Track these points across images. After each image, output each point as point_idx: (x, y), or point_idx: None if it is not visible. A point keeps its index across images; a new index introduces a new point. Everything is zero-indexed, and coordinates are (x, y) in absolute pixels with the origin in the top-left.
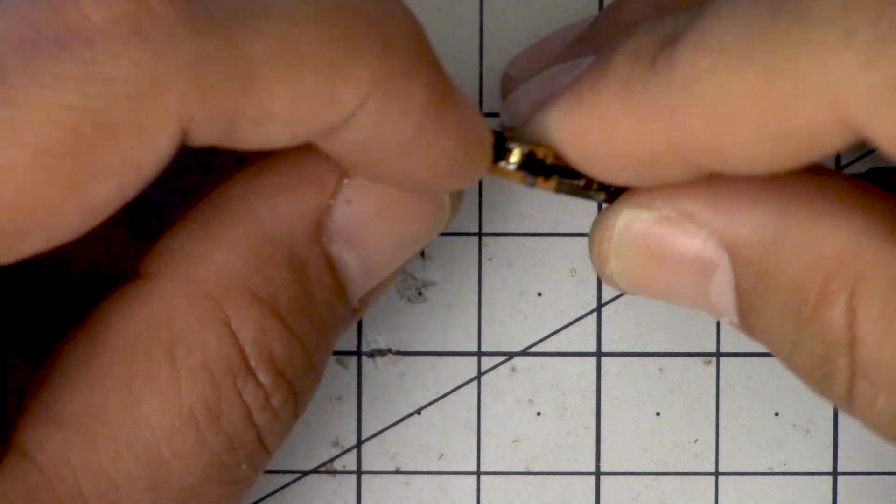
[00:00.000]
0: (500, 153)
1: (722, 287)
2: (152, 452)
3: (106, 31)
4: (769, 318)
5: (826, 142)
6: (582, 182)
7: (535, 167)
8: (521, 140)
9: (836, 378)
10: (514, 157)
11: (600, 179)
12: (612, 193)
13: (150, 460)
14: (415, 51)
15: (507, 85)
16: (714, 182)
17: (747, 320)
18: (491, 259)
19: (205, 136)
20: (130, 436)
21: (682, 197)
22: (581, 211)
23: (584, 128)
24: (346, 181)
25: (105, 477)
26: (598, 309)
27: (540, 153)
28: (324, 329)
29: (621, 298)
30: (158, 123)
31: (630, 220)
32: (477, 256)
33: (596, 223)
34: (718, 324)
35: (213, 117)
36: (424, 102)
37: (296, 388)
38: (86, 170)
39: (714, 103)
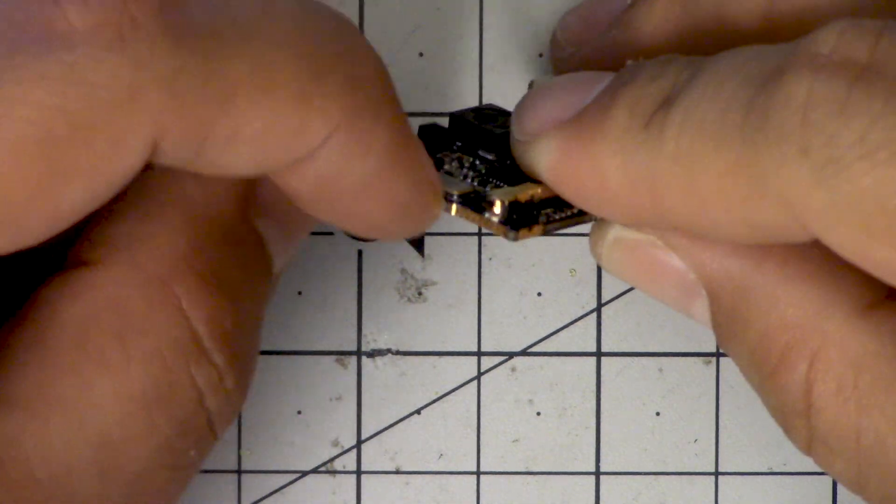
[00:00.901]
0: (483, 203)
1: (703, 312)
2: (104, 436)
3: (88, 36)
4: (739, 358)
5: (787, 235)
6: (576, 210)
7: (520, 212)
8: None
9: (796, 434)
10: (497, 208)
11: (591, 213)
12: None
13: (101, 444)
14: (380, 93)
15: (555, 47)
16: None
17: (723, 347)
18: (491, 259)
19: (174, 152)
20: (82, 419)
21: (667, 230)
22: None
23: (579, 171)
24: None
25: (57, 460)
26: (598, 309)
27: (524, 197)
28: (260, 304)
29: (621, 298)
30: (132, 132)
31: (617, 238)
32: (477, 256)
33: (593, 225)
34: None
35: (185, 133)
36: (386, 143)
37: (245, 367)
38: (57, 172)
39: (692, 184)
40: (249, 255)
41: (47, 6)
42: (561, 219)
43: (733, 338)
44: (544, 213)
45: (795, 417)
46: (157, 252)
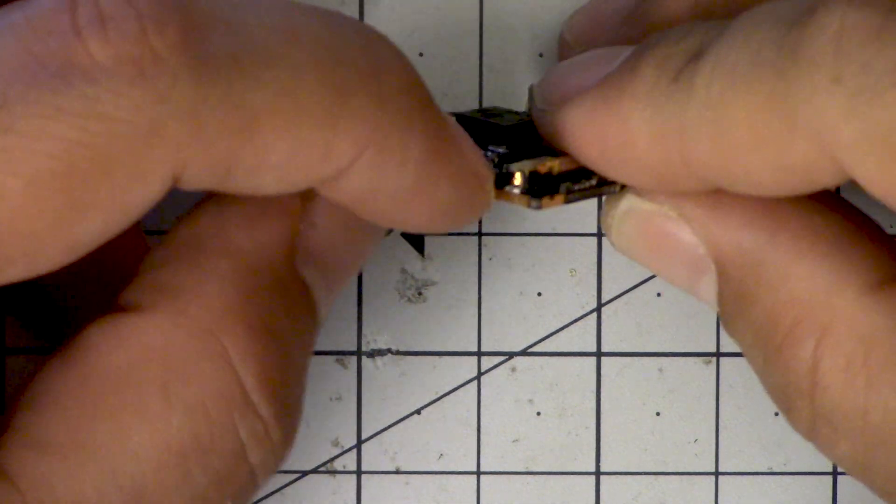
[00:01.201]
0: (504, 178)
1: (708, 290)
2: (137, 485)
3: (109, 70)
4: (744, 337)
5: (819, 177)
6: (595, 180)
7: (541, 183)
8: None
9: (798, 415)
10: (518, 180)
11: (613, 179)
12: (625, 187)
13: (134, 493)
14: (411, 104)
15: (563, 48)
16: (716, 194)
17: (727, 327)
18: (491, 259)
19: (198, 181)
20: (116, 467)
21: (683, 199)
22: (581, 211)
23: (605, 131)
24: (309, 205)
25: None
26: (598, 309)
27: (543, 168)
28: (307, 352)
29: (621, 298)
30: (153, 166)
31: (630, 209)
32: (477, 256)
33: (606, 200)
34: (718, 324)
35: (208, 164)
36: (421, 155)
37: (292, 419)
38: (76, 205)
39: (722, 130)
40: (296, 303)
41: (68, 39)
42: (581, 190)
43: (739, 315)
44: (564, 184)
45: (799, 397)
46: (205, 301)
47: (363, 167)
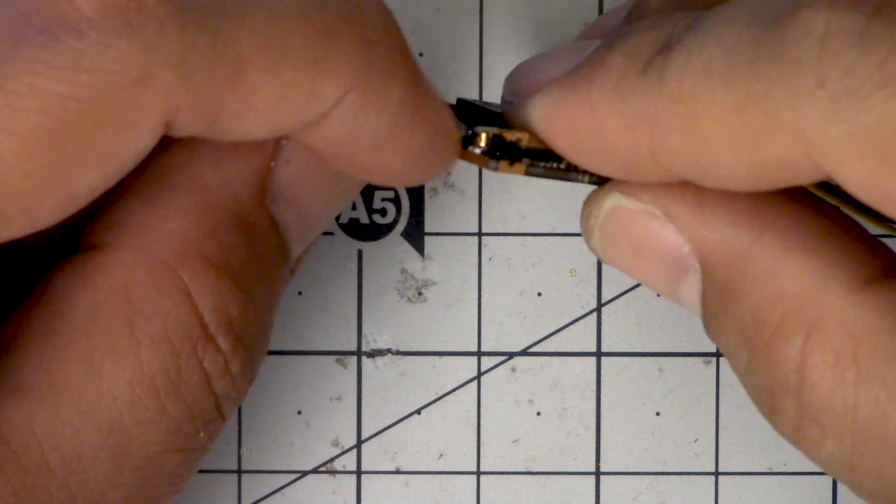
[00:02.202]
0: (469, 139)
1: (692, 291)
2: (114, 422)
3: (96, 22)
4: (727, 337)
5: (793, 175)
6: (563, 164)
7: (505, 151)
8: (502, 123)
9: (783, 416)
10: (482, 141)
11: (583, 168)
12: (593, 177)
13: (112, 430)
14: (393, 48)
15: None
16: (700, 192)
17: (710, 330)
18: (491, 259)
19: (187, 128)
20: (93, 406)
21: (667, 198)
22: (581, 211)
23: (573, 119)
24: (284, 142)
25: (69, 447)
26: (598, 309)
27: (509, 136)
28: (273, 289)
29: (621, 298)
30: (144, 116)
31: (615, 206)
32: (477, 256)
33: (588, 197)
34: None
35: (197, 111)
36: (401, 98)
37: (252, 353)
38: (70, 159)
39: (694, 123)
40: (263, 240)
41: None
42: (545, 167)
43: (724, 314)
44: (526, 157)
45: (786, 395)
46: (166, 236)
47: (346, 109)
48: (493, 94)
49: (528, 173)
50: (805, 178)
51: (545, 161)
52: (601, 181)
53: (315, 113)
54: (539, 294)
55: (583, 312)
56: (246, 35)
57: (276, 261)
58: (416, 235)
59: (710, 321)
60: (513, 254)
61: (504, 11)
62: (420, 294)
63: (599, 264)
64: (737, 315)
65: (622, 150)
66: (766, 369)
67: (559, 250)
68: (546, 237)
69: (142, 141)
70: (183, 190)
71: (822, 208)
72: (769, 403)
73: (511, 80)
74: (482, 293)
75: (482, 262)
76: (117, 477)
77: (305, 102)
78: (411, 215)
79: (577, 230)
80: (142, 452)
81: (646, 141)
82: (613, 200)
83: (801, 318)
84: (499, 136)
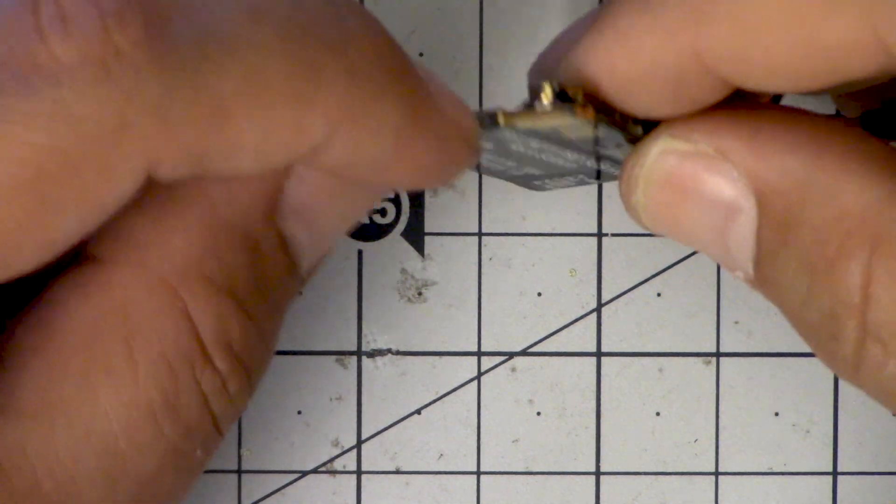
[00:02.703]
0: (531, 100)
1: (743, 232)
2: (109, 444)
3: (73, 69)
4: (784, 270)
5: (856, 62)
6: (618, 116)
7: (567, 100)
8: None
9: (844, 339)
10: (547, 93)
11: (633, 112)
12: (647, 127)
13: (107, 452)
14: (384, 72)
15: (533, 92)
16: (754, 124)
17: (761, 271)
18: (491, 259)
19: (173, 171)
20: (88, 427)
21: (720, 133)
22: (581, 211)
23: (609, 53)
24: None
25: (62, 469)
26: (598, 309)
27: (570, 91)
28: (277, 306)
29: (621, 298)
30: (123, 164)
31: (665, 149)
32: (477, 256)
33: (631, 152)
34: (718, 324)
35: (180, 155)
36: (398, 122)
37: (251, 371)
38: (47, 207)
39: (743, 12)
40: (270, 258)
41: (31, 40)
42: (607, 115)
43: (783, 246)
44: (590, 105)
45: (849, 316)
46: (168, 254)
47: (340, 140)
48: (494, 94)
49: (597, 119)
50: (865, 64)
51: (602, 111)
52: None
53: (305, 147)
54: (539, 294)
55: (583, 312)
56: (227, 76)
57: (282, 278)
58: (416, 235)
59: (766, 259)
60: (513, 254)
61: (504, 11)
62: (420, 294)
63: (599, 264)
64: (797, 242)
65: (665, 66)
66: (828, 292)
67: (559, 250)
68: (546, 237)
69: (122, 187)
70: (189, 206)
71: (869, 135)
72: (830, 330)
73: (537, 65)
74: (482, 293)
75: (482, 262)
76: (112, 499)
77: (294, 138)
78: (411, 215)
79: (577, 230)
80: (137, 474)
81: (689, 45)
82: (662, 144)
83: (865, 235)
84: (562, 87)
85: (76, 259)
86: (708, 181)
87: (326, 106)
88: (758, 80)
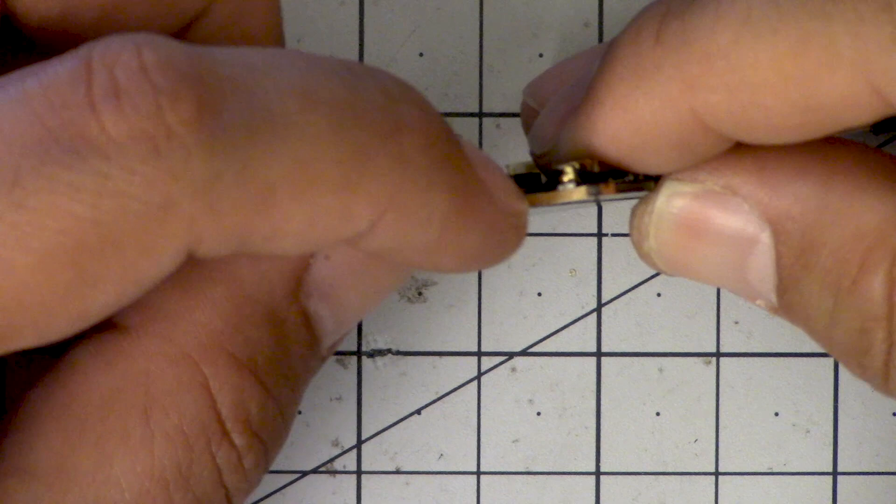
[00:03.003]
0: (552, 180)
1: (762, 263)
2: None
3: (123, 146)
4: (808, 294)
5: (856, 114)
6: (631, 178)
7: (589, 177)
8: (559, 161)
9: (874, 351)
10: (569, 175)
11: (643, 172)
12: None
13: None
14: (434, 160)
15: (527, 113)
16: (758, 156)
17: (786, 297)
18: None
19: (213, 251)
20: (99, 495)
21: (726, 170)
22: (581, 211)
23: (612, 124)
24: None
25: None
26: (598, 309)
27: (588, 164)
28: (297, 384)
29: (621, 298)
30: (165, 242)
31: (672, 194)
32: None
33: (639, 201)
34: (718, 324)
35: (223, 237)
36: (446, 212)
37: (268, 446)
38: (85, 279)
39: (739, 75)
40: (293, 335)
41: (83, 113)
42: (624, 182)
43: (804, 269)
44: (610, 179)
45: (876, 328)
46: (192, 327)
47: (384, 227)
48: (493, 94)
49: (618, 190)
50: (864, 115)
51: (617, 177)
52: None
53: (349, 233)
54: (539, 294)
55: (583, 312)
56: (276, 162)
57: (305, 354)
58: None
59: (789, 285)
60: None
61: (504, 11)
62: (420, 294)
63: (599, 264)
64: (818, 264)
65: (667, 130)
66: (855, 308)
67: (559, 250)
68: (546, 237)
69: (162, 265)
70: (216, 281)
71: (875, 150)
72: (859, 344)
73: (537, 130)
74: (482, 293)
75: None
76: None
77: (339, 225)
78: None
79: (577, 230)
80: None
81: (687, 108)
82: (669, 188)
83: (884, 248)
84: (582, 165)
85: (99, 325)
86: (719, 218)
87: (373, 194)
88: (758, 136)
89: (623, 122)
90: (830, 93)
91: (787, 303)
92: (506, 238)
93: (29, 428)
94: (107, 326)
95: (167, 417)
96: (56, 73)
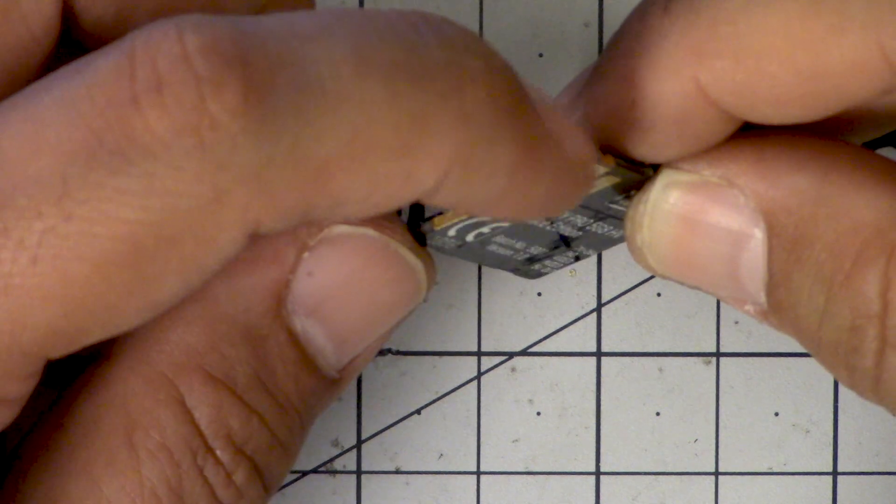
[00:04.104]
0: None
1: (754, 258)
2: None
3: (168, 142)
4: (799, 291)
5: (863, 82)
6: (630, 162)
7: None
8: None
9: (864, 350)
10: None
11: (642, 156)
12: (657, 169)
13: None
14: (498, 113)
15: None
16: (757, 147)
17: (775, 295)
18: None
19: (276, 228)
20: None
21: (724, 160)
22: None
23: (613, 97)
24: (306, 255)
25: None
26: (598, 309)
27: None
28: (289, 402)
29: (621, 298)
30: (222, 232)
31: (668, 184)
32: None
33: (636, 192)
34: (718, 324)
35: (281, 215)
36: (511, 163)
37: (258, 464)
38: (146, 277)
39: (746, 41)
40: (277, 353)
41: (127, 110)
42: (625, 167)
43: (797, 264)
44: (609, 154)
45: (868, 326)
46: (166, 347)
47: (450, 184)
48: None
49: (616, 164)
50: (871, 84)
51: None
52: None
53: (414, 195)
54: (539, 294)
55: (583, 312)
56: (329, 139)
57: (295, 373)
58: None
59: (780, 282)
60: None
61: (504, 11)
62: None
63: (599, 264)
64: (811, 259)
65: (669, 105)
66: (847, 304)
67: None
68: None
69: (223, 251)
70: (191, 300)
71: (872, 152)
72: (850, 343)
73: None
74: (482, 293)
75: None
76: None
77: (401, 188)
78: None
79: None
80: None
81: (691, 80)
82: (666, 178)
83: (881, 243)
84: None
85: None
86: (714, 210)
87: (436, 155)
88: (763, 110)
89: (625, 94)
90: (838, 58)
91: (777, 301)
92: (572, 184)
93: (25, 460)
94: (94, 357)
95: (149, 436)
96: (100, 69)
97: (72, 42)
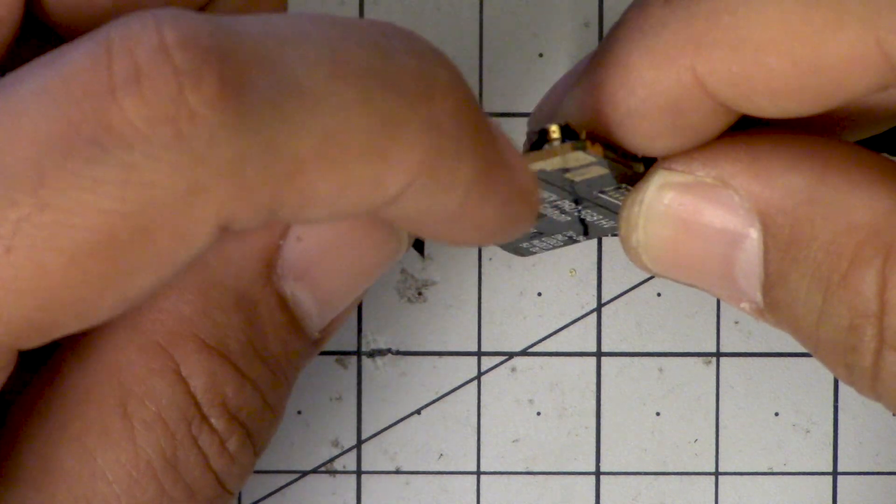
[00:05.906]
0: (540, 141)
1: (749, 258)
2: None
3: (145, 133)
4: (796, 290)
5: (860, 77)
6: (620, 153)
7: (575, 136)
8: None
9: (862, 349)
10: (555, 132)
11: (635, 148)
12: (648, 165)
13: None
14: (463, 126)
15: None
16: (752, 147)
17: (772, 295)
18: (491, 259)
19: (244, 225)
20: (87, 491)
21: (719, 160)
22: None
23: (609, 85)
24: None
25: None
26: (598, 309)
27: (574, 127)
28: (279, 367)
29: (621, 298)
30: (196, 225)
31: (663, 185)
32: (477, 256)
33: (629, 192)
34: (718, 324)
35: (253, 212)
36: (470, 178)
37: (251, 430)
38: (121, 270)
39: (744, 32)
40: (268, 318)
41: (104, 101)
42: (614, 156)
43: (792, 265)
44: (598, 142)
45: (866, 325)
46: (159, 316)
47: (412, 194)
48: (493, 94)
49: (605, 156)
50: (868, 78)
51: (608, 148)
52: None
53: (379, 200)
54: (539, 294)
55: (583, 312)
56: (304, 136)
57: (284, 338)
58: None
59: (776, 282)
60: (513, 254)
61: (504, 11)
62: (420, 294)
63: (599, 264)
64: (808, 259)
65: (664, 95)
66: (844, 304)
67: (559, 250)
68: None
69: (196, 245)
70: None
71: (868, 150)
72: (848, 342)
73: (537, 111)
74: (482, 293)
75: (482, 262)
76: None
77: (369, 193)
78: None
79: None
80: None
81: (688, 69)
82: (660, 178)
83: (877, 243)
84: (567, 124)
85: None
86: (709, 211)
87: (405, 160)
88: (760, 102)
89: (621, 82)
90: (836, 52)
91: (773, 301)
92: (520, 211)
93: (13, 432)
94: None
95: (144, 406)
96: (76, 60)
97: (38, 25)
